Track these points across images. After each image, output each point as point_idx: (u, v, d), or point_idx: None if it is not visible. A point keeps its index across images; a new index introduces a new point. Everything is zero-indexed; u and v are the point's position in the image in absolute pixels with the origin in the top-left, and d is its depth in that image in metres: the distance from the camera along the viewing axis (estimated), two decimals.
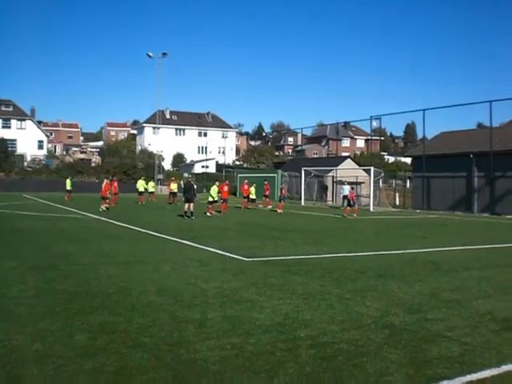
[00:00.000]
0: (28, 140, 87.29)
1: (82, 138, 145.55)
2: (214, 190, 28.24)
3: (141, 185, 41.24)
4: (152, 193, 44.34)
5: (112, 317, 6.82)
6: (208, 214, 27.43)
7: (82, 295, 8.09)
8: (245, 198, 36.65)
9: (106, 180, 33.58)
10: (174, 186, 40.54)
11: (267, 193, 38.51)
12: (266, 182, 38.82)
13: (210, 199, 28.06)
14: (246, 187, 36.31)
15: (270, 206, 37.50)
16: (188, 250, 13.84)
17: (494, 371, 5.17)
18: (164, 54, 64.64)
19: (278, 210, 32.85)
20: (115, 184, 36.95)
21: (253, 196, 36.12)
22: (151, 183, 45.13)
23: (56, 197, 45.59)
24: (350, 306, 7.73)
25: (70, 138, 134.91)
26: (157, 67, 66.21)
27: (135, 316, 6.89)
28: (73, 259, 11.82)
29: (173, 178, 45.54)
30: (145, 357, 5.31)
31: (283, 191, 35.88)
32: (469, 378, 4.99)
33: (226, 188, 29.73)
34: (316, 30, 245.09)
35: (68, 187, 41.91)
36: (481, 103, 40.45)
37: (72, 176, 51.95)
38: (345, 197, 41.15)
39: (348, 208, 30.77)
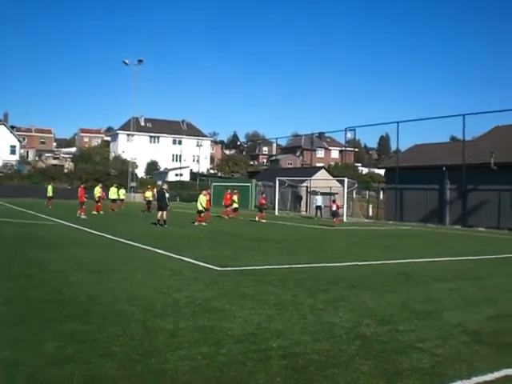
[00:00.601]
0: (0, 145, 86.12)
1: (55, 143, 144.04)
2: (201, 199, 28.02)
3: (113, 192, 40.86)
4: (122, 200, 43.89)
5: (82, 325, 6.72)
6: (196, 223, 27.21)
7: (53, 303, 7.96)
8: (226, 207, 36.61)
9: (81, 186, 33.35)
10: (148, 194, 40.32)
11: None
12: (235, 191, 38.31)
13: (200, 208, 27.84)
14: (228, 196, 36.30)
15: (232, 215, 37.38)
16: (160, 259, 13.73)
17: (465, 383, 5.21)
18: (140, 61, 64.51)
19: (257, 219, 32.86)
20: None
21: (236, 205, 36.08)
22: (122, 190, 44.66)
23: (28, 203, 44.99)
24: (323, 317, 7.73)
25: (43, 143, 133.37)
26: (132, 74, 65.96)
27: (106, 325, 6.79)
28: (44, 266, 11.64)
29: (149, 186, 45.28)
30: (115, 366, 5.24)
31: (262, 200, 34.82)
32: None
33: (207, 197, 29.58)
34: (291, 41, 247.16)
35: (50, 193, 41.64)
36: (454, 116, 41.17)
37: (44, 182, 51.28)
38: (318, 207, 41.61)
39: (336, 219, 32.52)
